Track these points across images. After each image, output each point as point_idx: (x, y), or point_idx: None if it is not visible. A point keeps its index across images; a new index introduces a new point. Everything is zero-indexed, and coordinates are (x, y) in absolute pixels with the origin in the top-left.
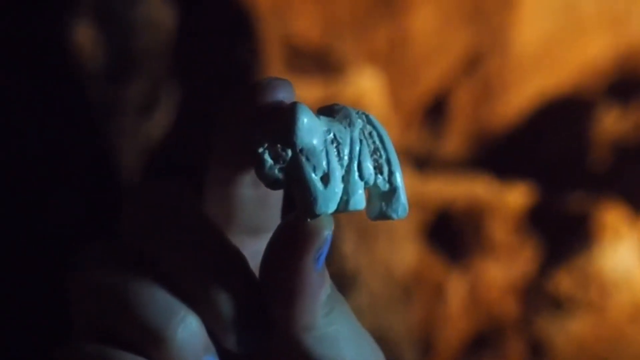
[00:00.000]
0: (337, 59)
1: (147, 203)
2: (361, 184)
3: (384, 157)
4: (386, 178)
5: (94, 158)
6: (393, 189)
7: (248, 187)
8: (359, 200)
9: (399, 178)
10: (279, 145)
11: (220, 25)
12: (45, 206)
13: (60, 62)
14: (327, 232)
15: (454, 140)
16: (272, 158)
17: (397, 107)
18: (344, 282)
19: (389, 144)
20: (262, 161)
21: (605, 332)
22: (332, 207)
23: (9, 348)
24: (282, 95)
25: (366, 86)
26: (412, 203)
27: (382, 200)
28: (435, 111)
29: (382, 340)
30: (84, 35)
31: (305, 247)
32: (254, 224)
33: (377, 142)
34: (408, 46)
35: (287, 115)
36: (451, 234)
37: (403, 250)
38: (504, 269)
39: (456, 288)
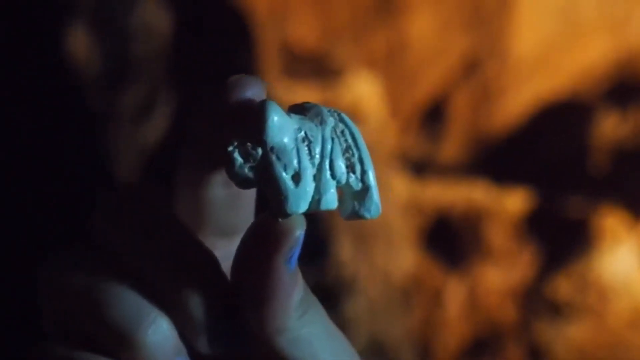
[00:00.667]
0: (335, 64)
1: (119, 205)
2: (333, 182)
3: (356, 155)
4: (359, 177)
5: (92, 162)
6: (366, 188)
7: (219, 187)
8: (331, 199)
9: (371, 177)
10: (249, 144)
11: (218, 30)
12: (44, 210)
13: (57, 68)
14: (299, 232)
15: (452, 145)
16: (242, 157)
17: (395, 111)
18: (342, 288)
19: (362, 143)
20: (232, 160)
21: (604, 337)
22: (304, 206)
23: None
24: (252, 93)
25: (364, 90)
26: (410, 208)
27: (354, 199)
28: (434, 115)
29: (380, 345)
30: (81, 41)
31: (277, 247)
32: (226, 224)
33: (350, 141)
34: (406, 51)
35: (257, 113)
36: (449, 239)
37: (401, 255)
38: (502, 273)
39: (455, 293)
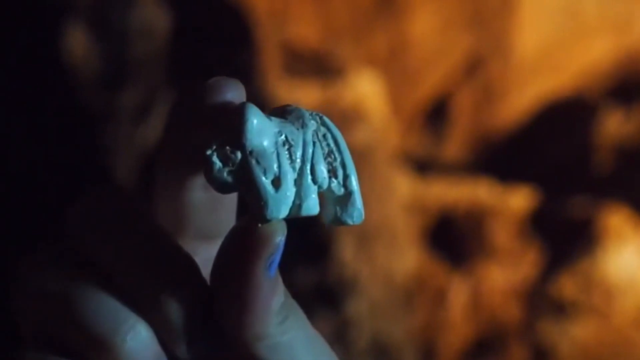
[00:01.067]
0: (337, 63)
1: (94, 208)
2: (314, 187)
3: (338, 160)
4: (341, 182)
5: (90, 165)
6: (348, 193)
7: (199, 191)
8: (313, 204)
9: (354, 182)
10: (227, 147)
11: (218, 30)
12: (41, 211)
13: (54, 70)
14: (279, 238)
15: (455, 144)
16: (220, 160)
17: (398, 110)
18: (343, 289)
19: (344, 147)
20: (210, 164)
21: (610, 337)
22: (284, 211)
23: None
24: (231, 95)
25: (366, 90)
26: (413, 207)
27: (337, 204)
28: (437, 115)
29: (383, 345)
30: (78, 42)
31: (256, 253)
32: (206, 228)
33: (332, 145)
34: (408, 50)
35: (236, 116)
36: (453, 238)
37: (404, 255)
38: (506, 273)
39: (458, 293)
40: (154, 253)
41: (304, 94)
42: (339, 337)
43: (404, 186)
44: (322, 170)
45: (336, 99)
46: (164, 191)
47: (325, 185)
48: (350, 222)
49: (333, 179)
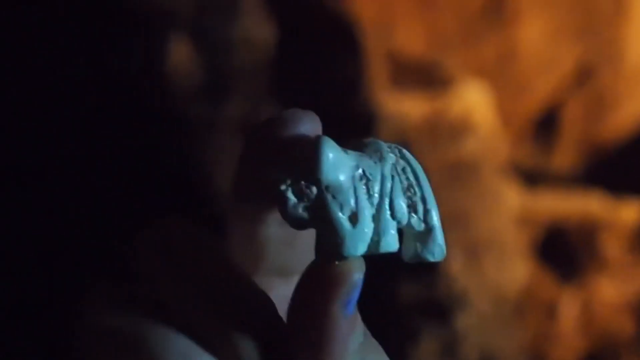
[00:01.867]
0: (444, 73)
1: (163, 243)
2: (393, 223)
3: (418, 194)
4: (421, 217)
5: (193, 179)
6: (429, 229)
7: (274, 226)
8: (392, 241)
9: (435, 217)
10: (302, 182)
11: (322, 41)
12: (140, 223)
13: (157, 82)
14: (357, 276)
15: (565, 155)
16: (295, 196)
17: (507, 121)
18: (452, 302)
19: (424, 181)
20: (284, 199)
21: None
22: (362, 248)
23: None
24: (306, 128)
25: (474, 100)
26: (522, 219)
27: (417, 240)
28: (546, 125)
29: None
30: (181, 54)
31: (333, 291)
32: (282, 265)
33: (411, 179)
34: (517, 59)
35: (311, 150)
36: (563, 251)
37: (513, 268)
38: (618, 286)
39: (569, 306)
40: (228, 290)
41: (410, 105)
42: (448, 352)
43: (513, 198)
44: (402, 205)
45: (444, 110)
46: (239, 226)
47: (404, 221)
48: (431, 258)
49: (413, 214)
